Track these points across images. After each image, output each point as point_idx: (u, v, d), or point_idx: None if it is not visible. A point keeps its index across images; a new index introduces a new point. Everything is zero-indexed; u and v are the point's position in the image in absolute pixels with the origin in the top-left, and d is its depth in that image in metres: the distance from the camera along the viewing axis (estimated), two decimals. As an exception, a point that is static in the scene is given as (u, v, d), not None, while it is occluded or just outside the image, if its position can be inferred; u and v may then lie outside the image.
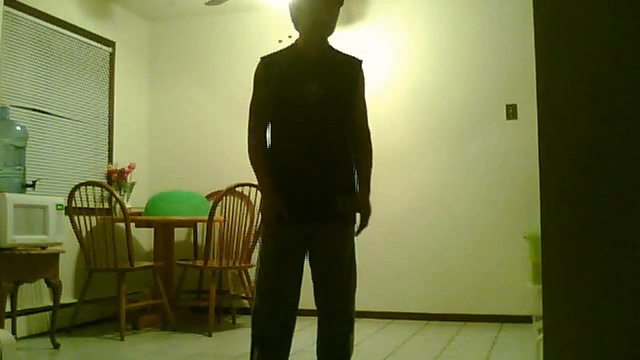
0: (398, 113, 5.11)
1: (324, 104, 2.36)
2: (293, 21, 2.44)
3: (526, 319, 4.31)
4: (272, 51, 2.48)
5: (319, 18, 2.38)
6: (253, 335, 2.44)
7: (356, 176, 2.45)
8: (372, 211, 2.44)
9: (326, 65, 2.42)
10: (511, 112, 4.87)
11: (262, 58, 2.44)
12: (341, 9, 2.47)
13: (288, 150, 2.41)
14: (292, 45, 2.47)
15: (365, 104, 2.50)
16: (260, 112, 2.43)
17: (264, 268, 2.42)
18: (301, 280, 2.43)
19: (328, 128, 2.38)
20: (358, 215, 2.44)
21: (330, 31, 2.44)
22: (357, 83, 2.46)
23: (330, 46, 2.48)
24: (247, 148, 2.43)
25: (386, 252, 5.02)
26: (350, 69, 2.46)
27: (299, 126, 2.39)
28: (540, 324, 2.30)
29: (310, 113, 2.37)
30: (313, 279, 2.44)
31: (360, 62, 2.49)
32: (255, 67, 2.44)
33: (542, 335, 1.29)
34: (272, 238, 2.40)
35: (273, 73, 2.40)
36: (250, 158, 2.42)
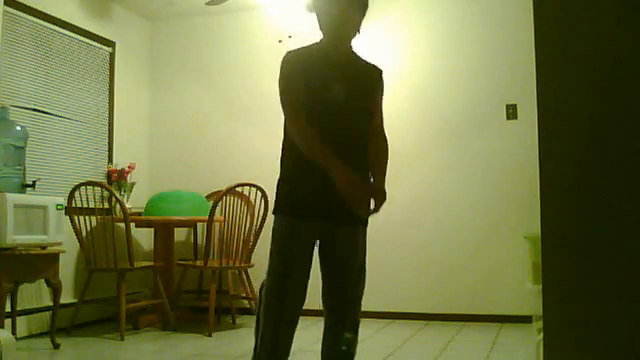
0: (398, 113, 5.10)
1: (347, 107, 2.38)
2: (318, 21, 2.43)
3: (526, 319, 4.31)
4: (298, 47, 2.48)
5: (338, 21, 2.38)
6: (258, 333, 2.45)
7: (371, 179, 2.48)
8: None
9: (351, 70, 2.44)
10: (511, 112, 4.87)
11: (289, 52, 2.42)
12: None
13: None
14: (316, 44, 2.45)
15: (381, 111, 2.55)
16: (299, 104, 2.35)
17: (274, 264, 2.42)
18: (309, 275, 2.44)
19: (350, 131, 2.40)
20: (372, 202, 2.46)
21: (350, 34, 2.43)
22: (377, 91, 2.51)
23: (353, 51, 2.50)
24: (301, 144, 2.33)
25: (386, 252, 5.02)
26: (372, 77, 2.50)
27: (321, 127, 2.37)
28: (540, 324, 2.30)
29: (333, 115, 2.37)
30: (323, 279, 2.44)
31: (381, 71, 2.54)
32: (283, 61, 2.40)
33: (542, 335, 1.29)
34: (286, 234, 2.40)
35: (301, 69, 2.38)
36: (302, 139, 2.33)
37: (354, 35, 2.45)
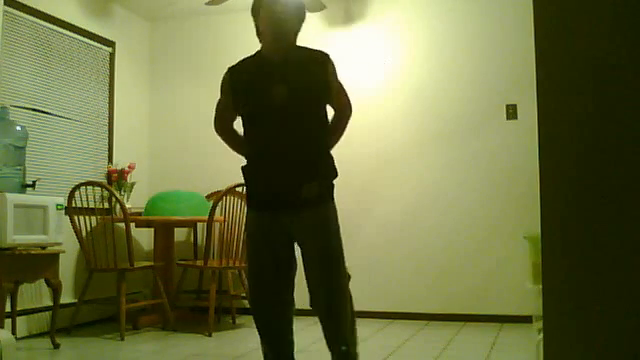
0: (398, 113, 5.11)
1: (289, 104, 2.43)
2: (257, 27, 2.53)
3: (526, 319, 4.31)
4: (239, 60, 2.59)
5: (275, 28, 2.46)
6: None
7: (327, 165, 2.52)
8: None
9: (289, 66, 2.49)
10: (511, 112, 4.87)
11: (229, 68, 2.57)
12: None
13: (258, 150, 2.52)
14: (257, 52, 2.56)
15: (340, 84, 2.59)
16: (221, 113, 2.68)
17: (248, 256, 2.54)
18: (289, 270, 2.47)
19: (293, 127, 2.45)
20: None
21: (289, 37, 2.51)
22: (325, 75, 2.51)
23: (295, 47, 2.55)
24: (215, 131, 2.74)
25: (386, 252, 5.02)
26: (314, 64, 2.51)
27: (266, 129, 2.48)
28: (540, 324, 2.29)
29: (276, 115, 2.44)
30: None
31: (325, 55, 2.53)
32: (222, 76, 2.58)
33: (542, 335, 1.29)
34: (247, 224, 2.56)
35: (239, 81, 2.53)
36: (221, 138, 2.75)
37: (290, 42, 2.52)
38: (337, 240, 2.47)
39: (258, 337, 2.53)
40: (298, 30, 2.54)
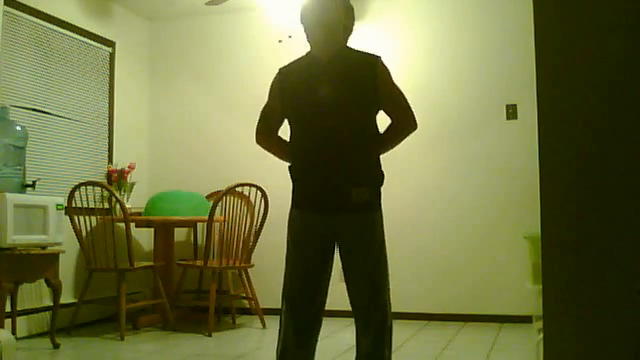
0: (398, 113, 5.10)
1: (337, 106, 2.39)
2: (305, 31, 2.49)
3: (526, 319, 4.31)
4: (290, 61, 2.54)
5: (317, 28, 2.44)
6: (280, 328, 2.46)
7: (375, 170, 2.48)
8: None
9: (338, 67, 2.45)
10: (511, 112, 4.87)
11: (279, 69, 2.52)
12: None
13: (305, 153, 2.45)
14: (307, 53, 2.52)
15: (397, 89, 2.52)
16: (267, 119, 2.56)
17: (290, 256, 2.46)
18: (329, 272, 2.44)
19: (343, 128, 2.40)
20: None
21: (337, 35, 2.46)
22: (375, 79, 2.46)
23: (344, 47, 2.51)
24: (255, 142, 2.58)
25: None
26: (364, 67, 2.47)
27: (314, 130, 2.43)
28: (540, 324, 2.30)
29: (324, 116, 2.40)
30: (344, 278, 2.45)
31: (377, 57, 2.49)
32: (272, 78, 2.53)
33: (542, 335, 1.29)
34: (290, 222, 2.46)
35: (287, 84, 2.48)
36: (263, 148, 2.60)
37: (337, 36, 2.47)
38: (383, 250, 2.45)
39: (280, 340, 2.44)
40: (342, 20, 2.47)
